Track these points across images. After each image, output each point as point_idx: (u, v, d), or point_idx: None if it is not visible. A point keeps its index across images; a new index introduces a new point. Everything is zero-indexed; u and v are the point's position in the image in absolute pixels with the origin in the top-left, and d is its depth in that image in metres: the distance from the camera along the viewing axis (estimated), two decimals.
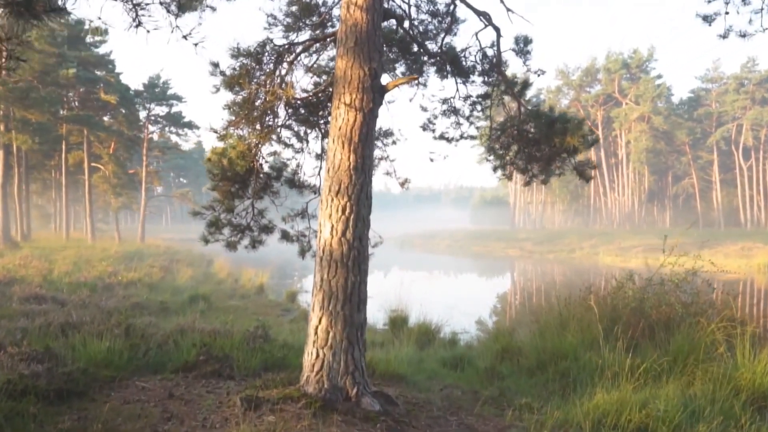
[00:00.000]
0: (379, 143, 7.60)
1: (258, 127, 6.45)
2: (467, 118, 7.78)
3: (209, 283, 21.13)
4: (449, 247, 67.70)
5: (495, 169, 7.95)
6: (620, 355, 6.62)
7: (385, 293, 14.24)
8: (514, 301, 22.72)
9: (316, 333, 5.08)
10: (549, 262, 46.79)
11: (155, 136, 49.67)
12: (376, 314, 13.99)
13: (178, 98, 45.08)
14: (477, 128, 7.90)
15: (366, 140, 5.15)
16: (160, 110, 45.27)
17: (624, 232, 64.97)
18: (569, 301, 9.25)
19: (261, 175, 6.98)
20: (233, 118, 6.20)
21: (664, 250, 8.52)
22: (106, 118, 40.50)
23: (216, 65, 6.07)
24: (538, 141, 6.93)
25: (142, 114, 44.42)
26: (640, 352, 6.98)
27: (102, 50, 39.59)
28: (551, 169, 7.30)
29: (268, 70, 6.15)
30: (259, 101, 6.14)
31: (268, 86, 6.06)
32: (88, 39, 34.72)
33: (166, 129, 48.98)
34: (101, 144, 40.11)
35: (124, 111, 37.99)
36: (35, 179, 54.33)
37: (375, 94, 5.21)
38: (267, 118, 6.40)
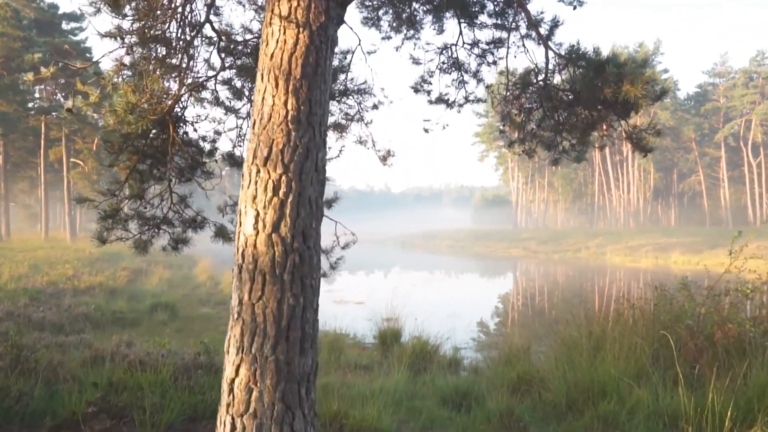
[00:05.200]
0: (350, 101, 5.57)
1: (177, 76, 4.46)
2: (474, 75, 5.75)
3: (185, 287, 19.09)
4: (451, 247, 66.25)
5: (511, 144, 5.95)
6: (684, 395, 4.81)
7: (379, 299, 12.46)
8: (522, 306, 20.71)
9: (231, 391, 3.08)
10: (554, 262, 44.83)
11: None
12: (363, 325, 12.08)
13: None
14: (487, 87, 5.87)
15: (315, 76, 3.15)
16: None
17: (630, 230, 63.34)
18: (599, 312, 7.44)
19: (190, 149, 4.99)
20: (124, 55, 4.21)
21: (731, 252, 6.56)
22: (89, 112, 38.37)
23: None
24: (575, 101, 4.94)
25: None
26: (708, 389, 5.09)
27: (78, 37, 37.52)
28: (589, 140, 5.32)
29: None
30: (170, 34, 4.15)
31: (179, 11, 4.05)
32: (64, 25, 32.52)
33: None
34: (84, 139, 37.97)
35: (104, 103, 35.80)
36: (22, 177, 52.40)
37: (330, 2, 3.22)
38: (187, 61, 4.42)
